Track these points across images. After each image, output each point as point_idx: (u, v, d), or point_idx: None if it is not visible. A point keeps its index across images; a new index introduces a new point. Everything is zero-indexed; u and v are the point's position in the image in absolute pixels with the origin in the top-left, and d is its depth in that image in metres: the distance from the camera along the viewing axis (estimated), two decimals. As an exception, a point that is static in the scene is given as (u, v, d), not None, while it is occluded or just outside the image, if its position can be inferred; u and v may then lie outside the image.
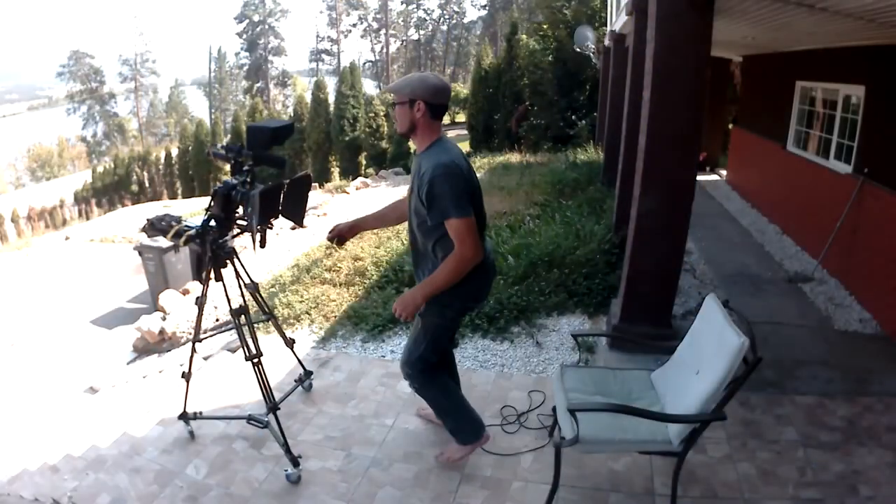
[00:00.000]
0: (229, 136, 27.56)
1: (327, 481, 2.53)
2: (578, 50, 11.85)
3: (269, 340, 3.69)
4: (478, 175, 2.27)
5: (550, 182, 8.32)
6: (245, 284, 2.78)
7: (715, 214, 6.56)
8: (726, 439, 2.64)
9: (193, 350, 2.83)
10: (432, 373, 2.44)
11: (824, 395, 2.95)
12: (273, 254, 7.37)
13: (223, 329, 3.65)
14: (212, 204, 2.46)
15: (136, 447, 2.85)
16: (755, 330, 2.10)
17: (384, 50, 48.92)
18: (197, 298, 2.72)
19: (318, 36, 49.42)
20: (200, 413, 2.86)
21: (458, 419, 2.51)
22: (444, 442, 2.75)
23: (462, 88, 33.78)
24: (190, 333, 5.07)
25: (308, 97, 25.50)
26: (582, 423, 2.01)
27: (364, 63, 47.70)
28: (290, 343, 3.12)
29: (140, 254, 6.98)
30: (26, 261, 11.33)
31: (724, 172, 8.56)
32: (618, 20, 7.53)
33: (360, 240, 6.12)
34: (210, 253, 2.53)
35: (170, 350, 5.14)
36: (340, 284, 4.87)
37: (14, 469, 2.95)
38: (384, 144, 23.38)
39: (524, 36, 16.41)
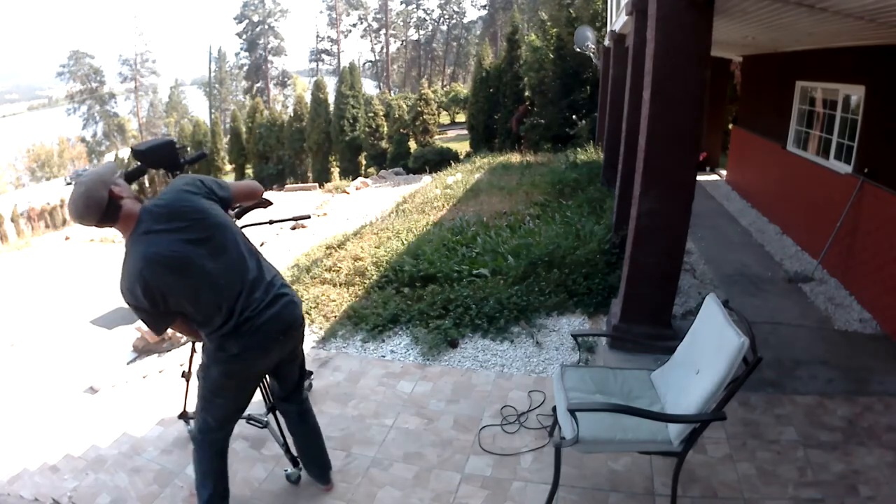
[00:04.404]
0: (228, 136, 27.62)
1: (327, 481, 2.52)
2: (579, 50, 11.86)
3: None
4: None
5: (550, 182, 8.33)
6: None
7: (715, 214, 6.56)
8: (726, 439, 2.64)
9: (193, 350, 2.83)
10: (217, 448, 2.18)
11: (824, 395, 2.95)
12: (273, 254, 7.37)
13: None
14: None
15: (136, 447, 2.85)
16: (755, 330, 2.10)
17: (384, 50, 48.93)
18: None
19: (318, 36, 49.51)
20: (200, 413, 2.85)
21: None
22: (445, 443, 2.76)
23: (462, 88, 33.84)
24: (190, 333, 5.06)
25: (308, 97, 25.54)
26: (582, 423, 2.01)
27: (364, 63, 47.76)
28: (290, 343, 3.11)
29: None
30: (26, 261, 11.34)
31: (724, 172, 8.56)
32: (618, 20, 7.53)
33: (360, 240, 6.13)
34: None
35: (170, 350, 5.15)
36: (340, 284, 4.87)
37: (14, 469, 2.95)
38: (384, 144, 23.41)
39: (532, 35, 16.44)
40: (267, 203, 2.62)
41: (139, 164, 2.53)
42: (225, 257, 1.88)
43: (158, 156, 2.53)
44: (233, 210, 2.54)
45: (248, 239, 2.03)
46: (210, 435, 2.16)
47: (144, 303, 1.81)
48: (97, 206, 1.74)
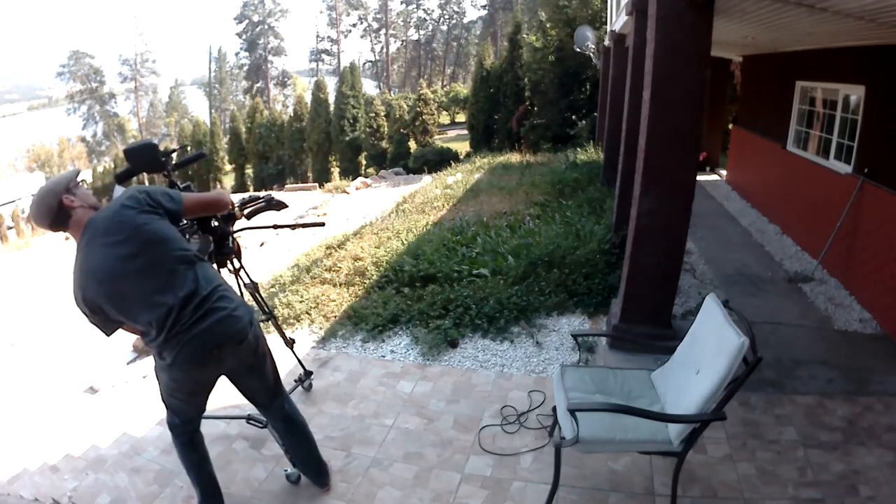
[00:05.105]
0: (228, 136, 27.63)
1: (327, 481, 2.52)
2: (579, 50, 11.87)
3: (268, 340, 3.69)
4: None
5: (550, 182, 8.33)
6: (245, 284, 2.79)
7: (715, 214, 6.56)
8: (726, 439, 2.64)
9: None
10: (184, 440, 2.25)
11: (824, 395, 2.95)
12: (273, 254, 7.38)
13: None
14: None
15: (136, 447, 2.86)
16: (755, 330, 2.10)
17: (384, 50, 48.91)
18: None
19: (318, 36, 49.46)
20: (200, 413, 2.85)
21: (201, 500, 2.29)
22: (445, 443, 2.76)
23: (462, 88, 33.83)
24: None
25: (308, 97, 25.53)
26: (582, 423, 2.01)
27: (364, 63, 47.73)
28: (289, 343, 3.12)
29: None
30: (26, 261, 11.35)
31: (724, 172, 8.56)
32: (618, 20, 7.54)
33: (360, 240, 6.13)
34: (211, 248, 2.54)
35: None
36: (340, 284, 4.87)
37: (14, 469, 2.95)
38: (384, 144, 23.41)
39: (533, 37, 16.44)
40: (281, 206, 2.61)
41: (129, 165, 2.53)
42: (157, 274, 1.87)
43: (139, 157, 2.52)
44: (243, 212, 2.54)
45: (187, 251, 1.95)
46: (177, 429, 2.25)
47: (86, 310, 1.93)
48: (46, 215, 1.87)
